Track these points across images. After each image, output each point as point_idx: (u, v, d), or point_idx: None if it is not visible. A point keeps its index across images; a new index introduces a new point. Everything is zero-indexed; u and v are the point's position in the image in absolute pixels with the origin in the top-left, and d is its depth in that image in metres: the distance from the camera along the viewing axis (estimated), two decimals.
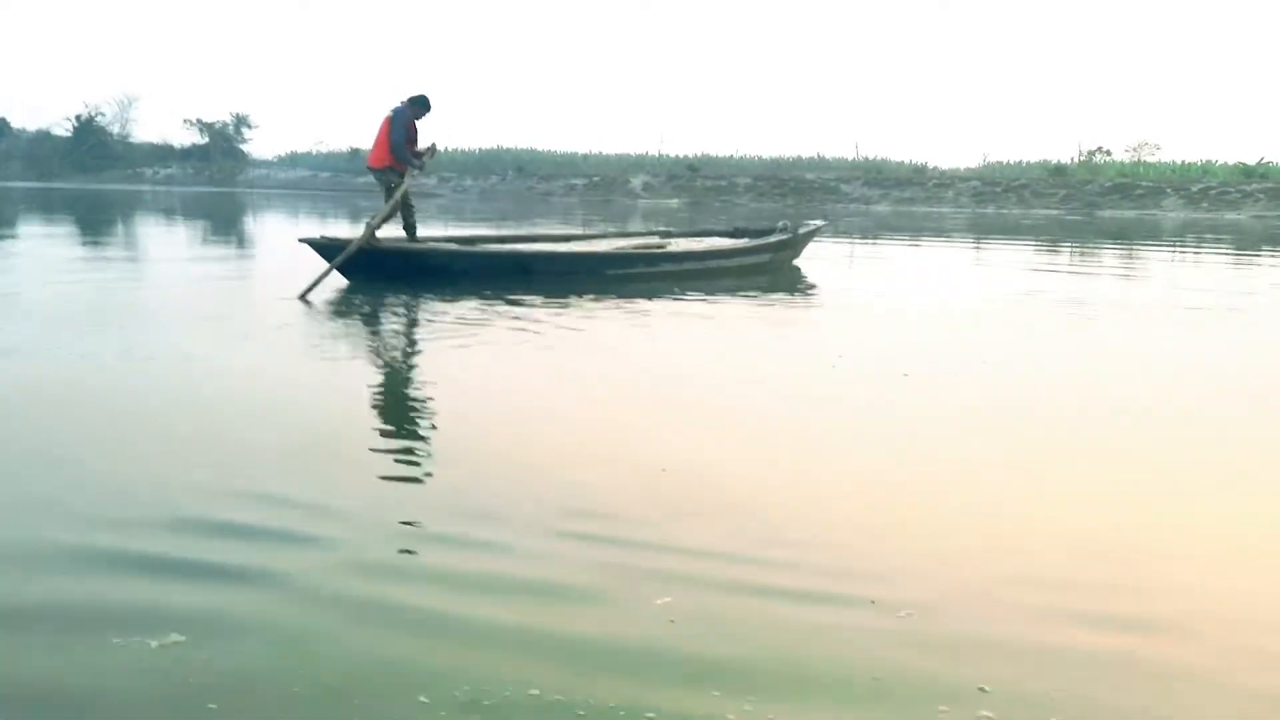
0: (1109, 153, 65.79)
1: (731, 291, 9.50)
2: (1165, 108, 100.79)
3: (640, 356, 6.16)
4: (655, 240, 11.51)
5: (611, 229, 11.66)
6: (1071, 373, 5.81)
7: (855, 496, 3.56)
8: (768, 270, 11.15)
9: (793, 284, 10.47)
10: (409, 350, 6.40)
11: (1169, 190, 50.20)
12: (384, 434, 4.42)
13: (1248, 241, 23.71)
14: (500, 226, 23.34)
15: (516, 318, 7.28)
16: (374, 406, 4.95)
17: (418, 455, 3.99)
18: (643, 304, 8.51)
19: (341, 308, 7.74)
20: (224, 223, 23.67)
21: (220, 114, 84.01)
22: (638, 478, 3.61)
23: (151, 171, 75.88)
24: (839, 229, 27.79)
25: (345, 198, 52.74)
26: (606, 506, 3.34)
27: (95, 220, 23.75)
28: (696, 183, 60.39)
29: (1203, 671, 2.39)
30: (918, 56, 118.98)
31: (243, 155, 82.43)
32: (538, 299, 8.16)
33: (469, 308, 7.71)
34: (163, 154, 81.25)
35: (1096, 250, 20.31)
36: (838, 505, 3.49)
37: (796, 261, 11.84)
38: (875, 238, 23.16)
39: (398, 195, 8.93)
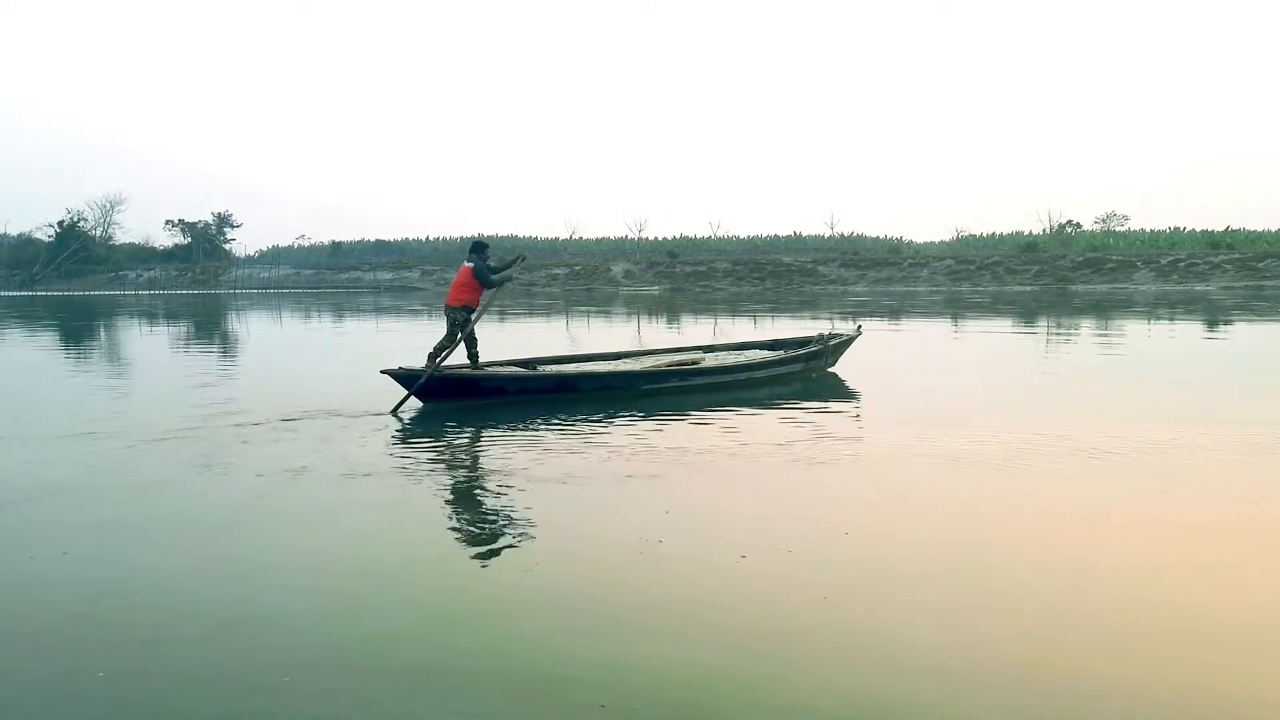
0: (1079, 225, 67.35)
1: (759, 404, 9.91)
2: (1132, 177, 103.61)
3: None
4: (696, 355, 12.32)
5: (658, 345, 13.11)
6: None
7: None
8: (800, 379, 11.73)
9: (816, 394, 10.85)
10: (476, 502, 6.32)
11: (1139, 264, 51.17)
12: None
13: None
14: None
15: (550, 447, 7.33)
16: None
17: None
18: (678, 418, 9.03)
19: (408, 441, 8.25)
20: (226, 345, 23.61)
21: (202, 213, 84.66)
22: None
23: (134, 274, 76.03)
24: (823, 311, 28.22)
25: (329, 296, 53.12)
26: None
27: (79, 336, 23.77)
28: (676, 268, 61.17)
29: None
30: (890, 130, 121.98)
31: (225, 254, 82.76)
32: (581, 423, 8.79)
33: (522, 440, 8.07)
34: (145, 255, 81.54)
35: (1072, 325, 20.52)
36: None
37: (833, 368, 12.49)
38: (853, 317, 23.28)
39: (464, 332, 10.42)
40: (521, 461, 7.13)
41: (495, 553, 5.04)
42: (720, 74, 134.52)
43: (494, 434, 8.51)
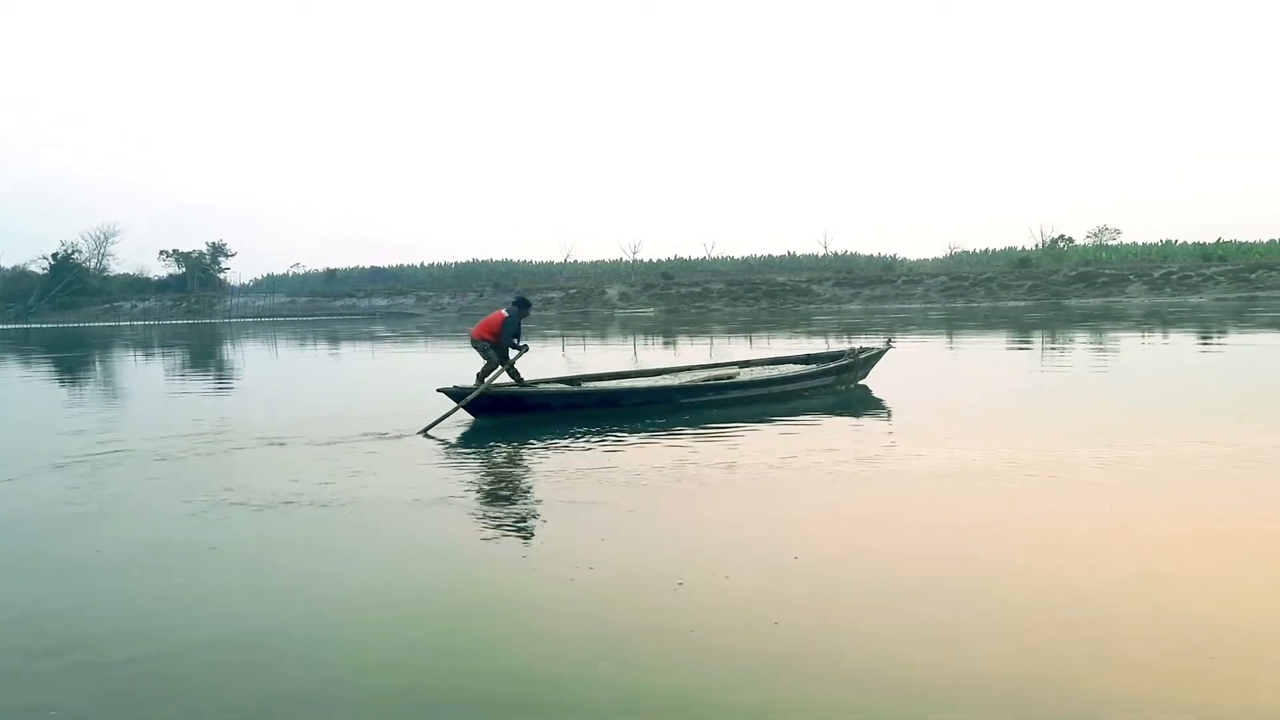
0: (1071, 239, 67.60)
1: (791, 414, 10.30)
2: (1123, 190, 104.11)
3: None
4: (732, 370, 12.78)
5: (696, 361, 14.00)
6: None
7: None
8: (833, 390, 12.25)
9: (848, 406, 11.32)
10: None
11: (1132, 277, 51.33)
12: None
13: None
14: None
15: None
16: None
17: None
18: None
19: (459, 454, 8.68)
20: (223, 374, 23.51)
21: (196, 243, 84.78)
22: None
23: (129, 305, 75.90)
24: (817, 329, 28.23)
25: (324, 323, 53.10)
26: None
27: (86, 370, 23.73)
28: (672, 290, 61.26)
29: None
30: (882, 148, 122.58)
31: (220, 283, 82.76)
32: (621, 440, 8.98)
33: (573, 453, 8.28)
34: (140, 286, 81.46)
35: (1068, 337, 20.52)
36: None
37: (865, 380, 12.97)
38: (848, 336, 23.43)
39: (501, 368, 11.06)
40: (541, 482, 7.18)
41: (490, 574, 4.98)
42: (712, 95, 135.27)
43: (516, 452, 8.62)
